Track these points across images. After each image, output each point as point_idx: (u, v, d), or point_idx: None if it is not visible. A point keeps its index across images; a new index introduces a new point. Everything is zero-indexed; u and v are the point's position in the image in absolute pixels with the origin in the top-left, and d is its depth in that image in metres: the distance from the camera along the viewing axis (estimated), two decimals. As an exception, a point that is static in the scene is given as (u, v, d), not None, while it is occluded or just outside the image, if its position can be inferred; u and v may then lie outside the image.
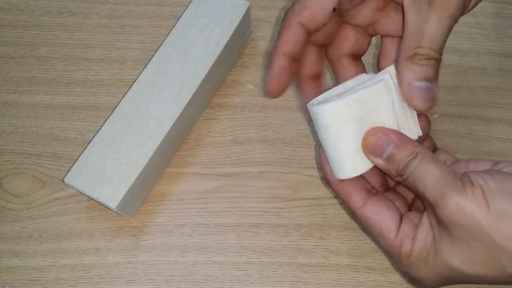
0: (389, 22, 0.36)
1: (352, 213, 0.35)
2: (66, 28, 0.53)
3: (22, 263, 0.46)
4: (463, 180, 0.30)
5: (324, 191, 0.48)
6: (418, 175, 0.30)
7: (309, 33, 0.34)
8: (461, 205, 0.28)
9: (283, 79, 0.35)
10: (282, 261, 0.46)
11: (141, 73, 0.46)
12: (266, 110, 0.50)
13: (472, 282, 0.31)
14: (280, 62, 0.34)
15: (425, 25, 0.30)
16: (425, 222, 0.32)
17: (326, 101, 0.34)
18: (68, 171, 0.44)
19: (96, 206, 0.47)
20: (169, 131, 0.45)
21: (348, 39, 0.37)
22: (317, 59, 0.37)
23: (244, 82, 0.52)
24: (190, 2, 0.48)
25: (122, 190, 0.43)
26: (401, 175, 0.32)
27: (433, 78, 0.32)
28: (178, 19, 0.48)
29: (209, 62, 0.46)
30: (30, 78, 0.51)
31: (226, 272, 0.46)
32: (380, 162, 0.32)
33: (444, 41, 0.31)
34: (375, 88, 0.33)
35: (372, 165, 0.34)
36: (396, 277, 0.45)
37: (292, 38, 0.34)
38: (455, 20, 0.31)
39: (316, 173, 0.48)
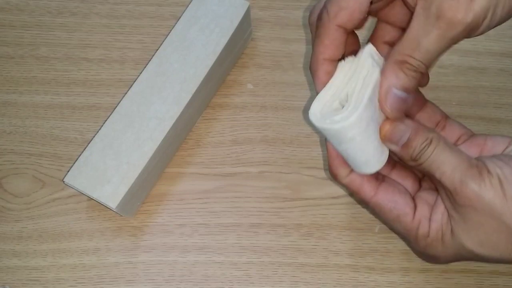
0: (393, 12, 0.36)
1: (364, 203, 0.35)
2: (66, 28, 0.53)
3: (22, 263, 0.46)
4: (480, 168, 0.30)
5: (324, 191, 0.48)
6: (434, 161, 0.31)
7: (348, 32, 0.34)
8: (479, 193, 0.29)
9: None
10: (282, 261, 0.46)
11: (141, 73, 0.46)
12: (266, 110, 0.50)
13: (484, 261, 0.32)
14: (325, 68, 0.34)
15: (425, 38, 0.30)
16: (440, 203, 0.33)
17: (332, 111, 0.33)
18: (68, 171, 0.44)
19: (96, 206, 0.47)
20: (169, 131, 0.45)
21: (387, 32, 0.37)
22: (352, 40, 0.37)
23: (244, 82, 0.52)
24: (190, 2, 0.48)
25: (122, 190, 0.43)
26: (415, 160, 0.32)
27: (412, 91, 0.32)
28: (178, 19, 0.48)
29: (209, 62, 0.46)
30: (30, 78, 0.51)
31: (226, 272, 0.46)
32: (395, 148, 0.33)
33: (437, 58, 0.31)
34: (375, 78, 0.32)
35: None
36: (396, 277, 0.45)
37: (333, 42, 0.33)
38: (455, 43, 0.31)
39: (316, 173, 0.48)
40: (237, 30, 0.48)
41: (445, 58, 0.52)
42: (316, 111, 0.34)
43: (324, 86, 0.34)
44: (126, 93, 0.46)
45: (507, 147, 0.34)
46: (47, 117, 0.50)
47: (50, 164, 0.48)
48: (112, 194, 0.43)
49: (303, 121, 0.50)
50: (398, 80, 0.31)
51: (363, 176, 0.35)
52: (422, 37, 0.30)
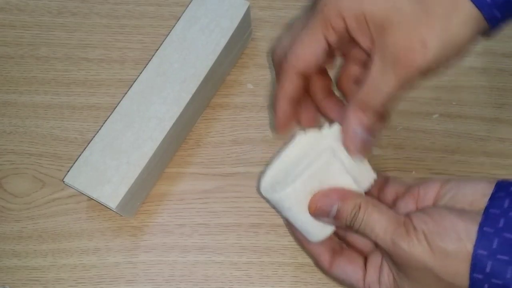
0: (353, 52, 0.38)
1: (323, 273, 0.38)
2: (66, 28, 0.53)
3: (22, 263, 0.46)
4: (407, 226, 0.32)
5: (324, 191, 0.48)
6: (366, 226, 0.33)
7: (307, 77, 0.36)
8: (409, 251, 0.31)
9: (288, 120, 0.38)
10: (282, 261, 0.46)
11: (141, 73, 0.46)
12: (266, 110, 0.50)
13: None
14: (283, 108, 0.37)
15: (384, 83, 0.32)
16: (385, 265, 0.35)
17: (277, 183, 0.36)
18: (68, 171, 0.44)
19: (96, 206, 0.47)
20: (169, 131, 0.45)
21: (350, 69, 0.39)
22: (321, 77, 0.39)
23: (244, 82, 0.52)
24: (190, 2, 0.49)
25: (122, 190, 0.43)
26: (350, 227, 0.34)
27: (374, 131, 0.34)
28: (178, 19, 0.48)
29: (209, 62, 0.46)
30: (30, 78, 0.51)
31: (226, 272, 0.46)
32: (330, 221, 0.35)
33: (395, 100, 0.33)
34: (323, 161, 0.35)
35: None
36: (396, 277, 0.45)
37: (292, 85, 0.36)
38: (413, 83, 0.32)
39: (316, 173, 0.48)
40: (237, 30, 0.48)
41: (445, 58, 0.52)
42: (267, 182, 0.36)
43: (282, 121, 0.37)
44: (126, 93, 0.46)
45: (437, 193, 0.35)
46: (47, 117, 0.50)
47: (50, 164, 0.49)
48: (112, 194, 0.43)
49: (303, 121, 0.50)
50: (361, 123, 0.34)
51: (322, 246, 0.37)
52: (382, 83, 0.32)
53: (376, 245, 0.34)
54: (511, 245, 0.28)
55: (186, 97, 0.45)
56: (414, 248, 0.30)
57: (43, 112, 0.50)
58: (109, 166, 0.43)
